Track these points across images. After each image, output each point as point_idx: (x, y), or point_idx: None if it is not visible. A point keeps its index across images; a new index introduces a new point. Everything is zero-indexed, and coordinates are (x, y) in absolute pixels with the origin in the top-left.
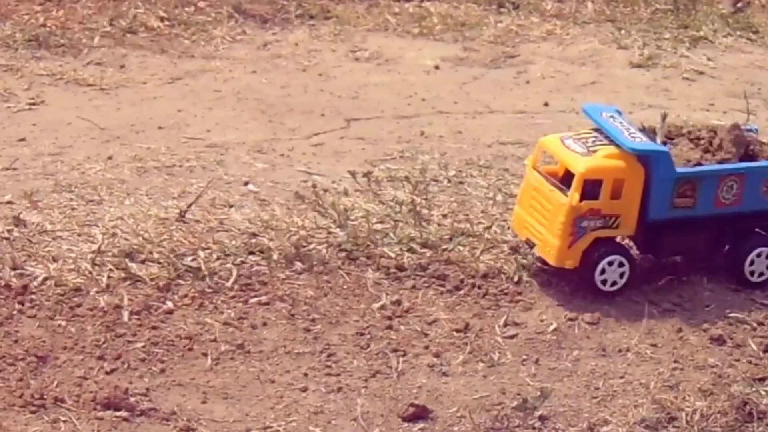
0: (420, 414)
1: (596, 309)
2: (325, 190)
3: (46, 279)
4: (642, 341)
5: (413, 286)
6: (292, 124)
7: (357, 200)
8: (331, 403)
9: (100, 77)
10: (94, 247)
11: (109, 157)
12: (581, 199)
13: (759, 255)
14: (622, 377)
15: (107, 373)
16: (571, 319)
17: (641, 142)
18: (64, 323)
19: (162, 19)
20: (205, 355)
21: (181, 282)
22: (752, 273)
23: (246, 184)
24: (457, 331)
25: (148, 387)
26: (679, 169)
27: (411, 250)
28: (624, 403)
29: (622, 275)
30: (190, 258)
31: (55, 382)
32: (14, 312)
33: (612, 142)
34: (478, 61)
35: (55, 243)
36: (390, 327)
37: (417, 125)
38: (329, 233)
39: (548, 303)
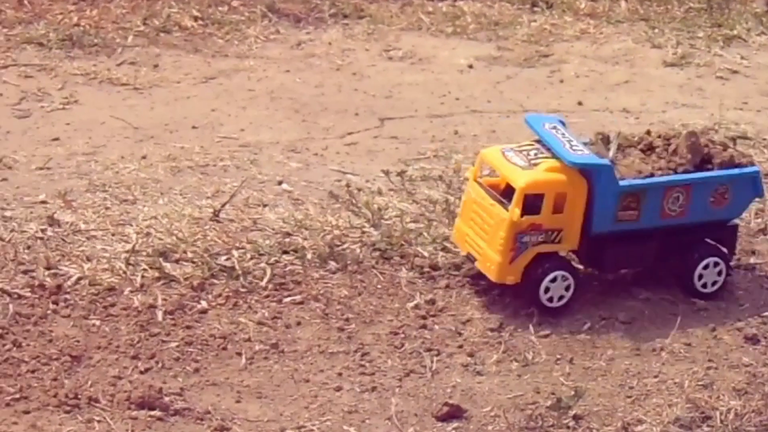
0: (454, 413)
1: (630, 308)
2: (359, 190)
3: (80, 279)
4: (676, 340)
5: (447, 286)
6: (326, 124)
7: (391, 199)
8: (366, 402)
9: (133, 77)
10: (128, 246)
11: (143, 157)
12: (522, 214)
13: (707, 266)
14: (656, 376)
15: (141, 372)
16: (605, 319)
17: (582, 155)
18: (98, 323)
19: (195, 19)
20: (239, 354)
21: (215, 281)
22: (703, 284)
23: (280, 183)
24: (491, 330)
25: (182, 386)
26: (622, 182)
27: (445, 249)
28: (658, 403)
29: (567, 289)
30: (224, 257)
31: (90, 382)
32: (48, 312)
33: (555, 154)
34: (512, 60)
35: (89, 243)
36: (424, 326)
37: (451, 124)
38: (363, 232)
39: (582, 302)
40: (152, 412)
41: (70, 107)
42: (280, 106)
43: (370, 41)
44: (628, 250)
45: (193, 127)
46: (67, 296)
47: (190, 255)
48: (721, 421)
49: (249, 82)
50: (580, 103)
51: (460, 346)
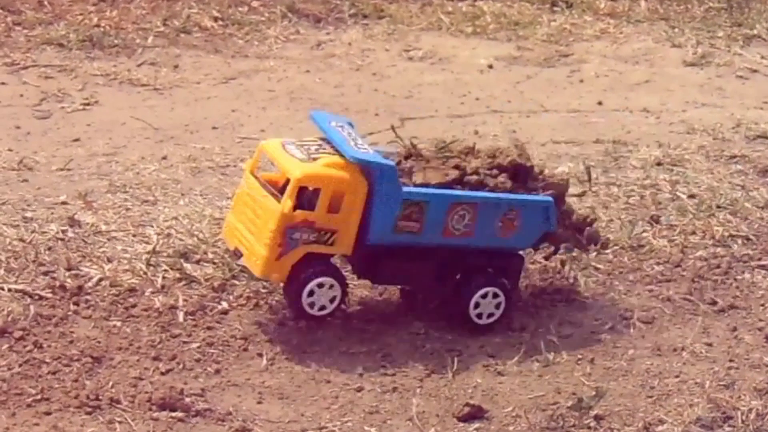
0: (475, 414)
1: (651, 308)
2: None
3: (101, 279)
4: (697, 340)
5: None
6: None
7: None
8: (387, 402)
9: (154, 77)
10: (149, 247)
11: (164, 158)
12: (295, 208)
13: (485, 296)
14: (677, 376)
15: (162, 373)
16: (625, 319)
17: (366, 152)
18: (119, 324)
19: (215, 19)
20: (260, 355)
21: (236, 282)
22: (479, 315)
23: None
24: (512, 330)
25: (204, 387)
26: (405, 188)
27: None
28: (679, 403)
29: (333, 299)
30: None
31: (111, 383)
32: (69, 313)
33: (338, 152)
34: (532, 60)
35: (109, 243)
36: (445, 327)
37: (471, 124)
38: None
39: (603, 302)
40: (173, 413)
41: (90, 108)
42: (300, 106)
43: (390, 41)
44: (405, 266)
45: (214, 128)
46: (88, 297)
47: (210, 256)
48: (743, 421)
49: (269, 83)
50: (600, 103)
51: (482, 347)
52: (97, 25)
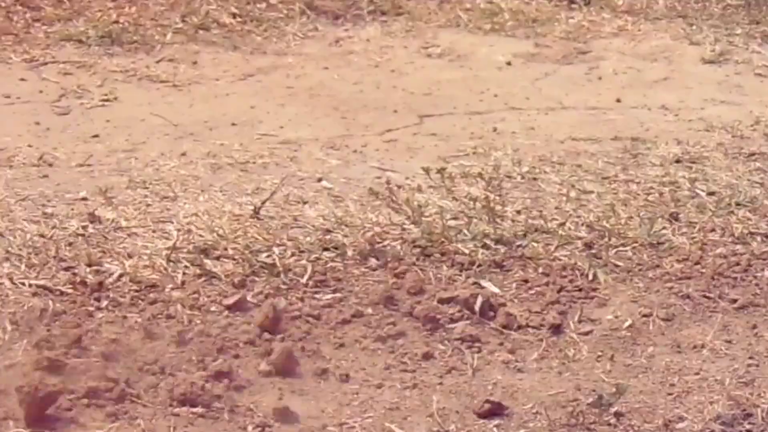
0: (495, 410)
1: (670, 305)
2: (399, 187)
3: (121, 275)
4: (717, 337)
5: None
6: (365, 121)
7: (431, 196)
8: (407, 399)
9: (172, 74)
10: (169, 243)
11: (183, 154)
12: None
13: None
14: (697, 373)
15: (183, 369)
16: (645, 316)
17: None
18: (139, 320)
19: (234, 16)
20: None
21: (256, 278)
22: None
23: (320, 180)
24: (532, 327)
25: (224, 383)
26: None
27: (485, 246)
28: (699, 400)
29: None
30: (264, 254)
31: (131, 378)
32: (90, 308)
33: None
34: (550, 57)
35: (130, 239)
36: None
37: (490, 121)
38: (403, 229)
39: (622, 299)
40: (194, 409)
41: (109, 104)
42: (319, 103)
43: (408, 38)
44: None
45: (233, 124)
46: (109, 293)
47: (230, 252)
48: (763, 419)
49: (288, 80)
50: (618, 100)
51: (501, 344)
52: (116, 22)
